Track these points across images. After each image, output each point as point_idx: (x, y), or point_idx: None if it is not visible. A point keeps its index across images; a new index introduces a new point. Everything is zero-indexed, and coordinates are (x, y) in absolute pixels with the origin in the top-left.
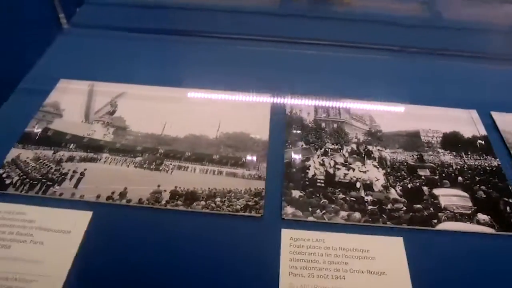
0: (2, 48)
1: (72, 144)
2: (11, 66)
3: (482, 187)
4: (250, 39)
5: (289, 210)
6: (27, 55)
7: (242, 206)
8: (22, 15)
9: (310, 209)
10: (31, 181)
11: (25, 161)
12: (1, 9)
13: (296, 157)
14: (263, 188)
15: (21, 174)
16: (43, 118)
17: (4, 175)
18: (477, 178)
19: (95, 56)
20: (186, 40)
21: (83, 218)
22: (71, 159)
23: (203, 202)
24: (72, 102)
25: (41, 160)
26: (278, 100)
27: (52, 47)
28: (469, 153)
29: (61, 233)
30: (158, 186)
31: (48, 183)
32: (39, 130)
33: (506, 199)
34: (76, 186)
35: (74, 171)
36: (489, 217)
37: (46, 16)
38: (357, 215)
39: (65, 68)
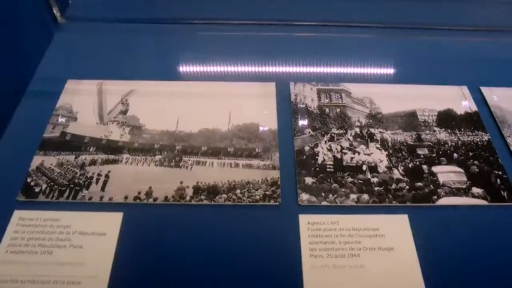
0: (4, 51)
1: (92, 147)
2: (16, 70)
3: (475, 162)
4: (249, 24)
5: (304, 196)
6: (29, 56)
7: (261, 196)
8: (17, 15)
9: (323, 194)
10: (59, 188)
11: (50, 167)
12: None
13: (305, 144)
14: (278, 177)
15: (49, 181)
16: (58, 123)
17: (32, 184)
18: (470, 154)
19: (97, 52)
20: (186, 29)
21: (115, 219)
22: (93, 162)
23: (225, 195)
24: (84, 104)
25: (64, 166)
26: (282, 88)
27: (52, 45)
28: (462, 129)
29: (97, 236)
30: (181, 182)
31: (76, 188)
32: (57, 135)
33: (497, 172)
34: (103, 189)
35: (99, 174)
36: (482, 190)
37: (40, 12)
38: (365, 196)
39: (70, 66)
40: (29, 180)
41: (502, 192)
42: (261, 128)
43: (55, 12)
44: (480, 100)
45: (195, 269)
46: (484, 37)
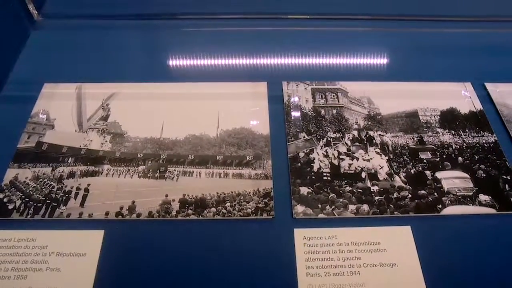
0: None
1: (70, 158)
2: None
3: (482, 166)
4: (235, 18)
5: (299, 209)
6: (3, 57)
7: (253, 209)
8: None
9: (319, 205)
10: (35, 204)
11: (25, 181)
12: None
13: (300, 150)
14: (271, 188)
15: (23, 197)
16: (33, 131)
17: (5, 200)
18: (476, 157)
19: (76, 51)
20: (169, 24)
21: (96, 237)
22: (71, 175)
23: (213, 209)
24: (62, 110)
25: (41, 179)
26: (274, 88)
27: (28, 44)
28: (467, 130)
29: (76, 257)
30: (166, 196)
31: (53, 204)
32: (33, 145)
33: (505, 177)
34: (82, 204)
35: (78, 188)
36: (490, 197)
37: (15, 9)
38: (365, 207)
39: (47, 68)
40: (1, 196)
41: None
42: (252, 132)
43: (31, 9)
44: (485, 97)
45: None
46: (489, 28)
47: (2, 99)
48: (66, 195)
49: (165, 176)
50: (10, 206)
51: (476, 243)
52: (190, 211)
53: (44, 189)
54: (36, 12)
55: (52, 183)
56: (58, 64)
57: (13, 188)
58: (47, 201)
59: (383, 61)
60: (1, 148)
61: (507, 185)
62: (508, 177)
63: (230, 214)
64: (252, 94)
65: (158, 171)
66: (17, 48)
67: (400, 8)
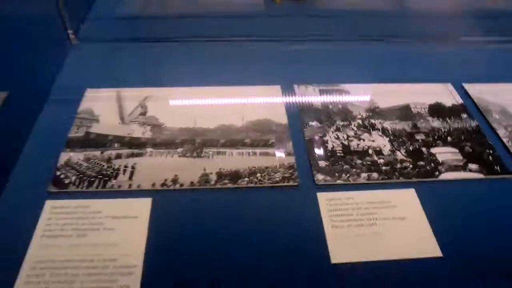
0: (24, 66)
1: (116, 144)
2: (37, 81)
3: (468, 143)
4: (244, 40)
5: (320, 177)
6: (47, 70)
7: (280, 178)
8: (36, 35)
9: (336, 174)
10: (88, 179)
11: (77, 162)
12: (17, 31)
13: (314, 134)
14: (294, 162)
15: (78, 173)
16: (81, 124)
17: (62, 176)
18: (463, 137)
19: (111, 67)
20: (189, 46)
21: (145, 204)
22: (119, 156)
23: (246, 179)
24: (104, 108)
25: (91, 160)
26: (287, 87)
27: (68, 61)
28: (452, 118)
29: (129, 219)
30: (204, 169)
31: (105, 178)
32: (81, 134)
33: (488, 151)
34: (130, 178)
35: (125, 166)
36: (477, 165)
37: (57, 33)
38: (375, 175)
39: (86, 79)
40: (58, 173)
41: (496, 167)
42: (273, 122)
43: (69, 33)
44: (464, 94)
45: (218, 248)
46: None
47: (51, 102)
48: (116, 172)
49: (202, 155)
50: (67, 181)
51: (468, 201)
52: (226, 181)
53: (95, 168)
54: (74, 36)
55: (102, 163)
56: (95, 77)
57: (68, 167)
58: (99, 176)
59: (378, 69)
60: (54, 138)
61: (490, 157)
62: (491, 151)
63: (261, 182)
64: (269, 94)
65: (195, 152)
66: (59, 63)
67: (390, 30)
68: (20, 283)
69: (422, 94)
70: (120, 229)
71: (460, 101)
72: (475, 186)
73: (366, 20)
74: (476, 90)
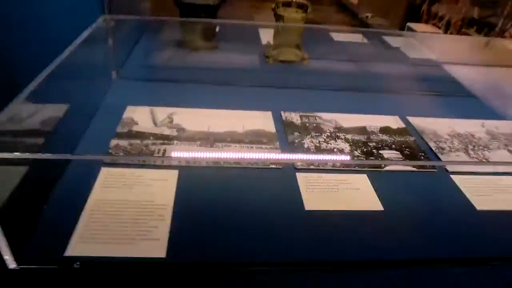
0: (82, 91)
1: (152, 137)
2: (89, 100)
3: (407, 149)
4: (244, 86)
5: (299, 163)
6: (98, 94)
7: (270, 163)
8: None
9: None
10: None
11: (124, 146)
12: (80, 70)
13: (295, 139)
14: (280, 153)
15: (124, 152)
16: (125, 125)
17: (113, 152)
18: (403, 146)
19: (142, 96)
20: (202, 87)
21: (173, 173)
22: (154, 144)
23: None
24: (141, 117)
25: (134, 145)
26: (276, 113)
27: (111, 90)
28: (397, 135)
29: (162, 181)
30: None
31: (143, 156)
32: (125, 130)
33: (420, 154)
34: (163, 155)
35: (159, 149)
36: (412, 162)
37: (105, 72)
38: (338, 164)
39: (126, 101)
40: (110, 151)
41: (426, 165)
42: (265, 130)
43: (112, 73)
44: (407, 123)
45: (225, 202)
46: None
47: (99, 115)
48: (152, 152)
49: (214, 146)
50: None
51: (403, 183)
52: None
53: (137, 149)
54: (116, 75)
55: (142, 147)
56: (133, 103)
57: (116, 148)
58: (140, 155)
59: (346, 105)
60: (105, 134)
61: (422, 157)
62: (422, 154)
63: (256, 165)
64: (262, 117)
65: (208, 144)
66: (103, 92)
67: (356, 84)
68: (86, 212)
69: (375, 121)
70: (156, 186)
71: (404, 126)
72: (409, 175)
73: (340, 77)
74: (416, 120)
